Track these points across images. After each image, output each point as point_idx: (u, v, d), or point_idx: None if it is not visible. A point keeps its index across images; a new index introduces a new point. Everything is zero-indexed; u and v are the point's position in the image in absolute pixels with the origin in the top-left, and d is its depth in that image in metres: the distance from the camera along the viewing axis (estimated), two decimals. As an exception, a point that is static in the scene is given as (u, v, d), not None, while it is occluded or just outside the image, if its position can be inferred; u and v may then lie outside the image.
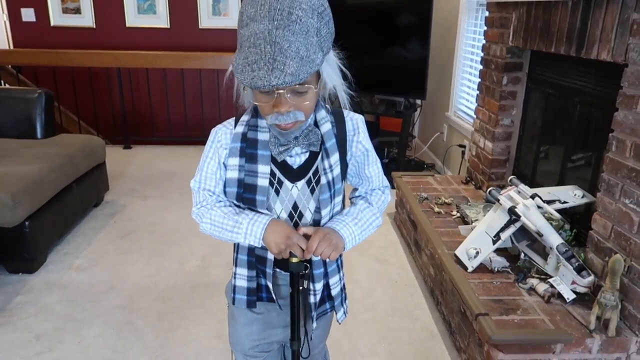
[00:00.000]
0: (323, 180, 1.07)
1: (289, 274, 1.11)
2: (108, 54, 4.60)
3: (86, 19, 5.05)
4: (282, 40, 0.86)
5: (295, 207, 1.10)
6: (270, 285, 1.14)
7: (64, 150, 2.90)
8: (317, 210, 1.09)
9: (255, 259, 1.14)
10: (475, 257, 2.01)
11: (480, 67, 2.96)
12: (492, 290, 1.89)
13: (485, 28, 2.88)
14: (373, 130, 4.60)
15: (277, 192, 1.09)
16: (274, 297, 1.16)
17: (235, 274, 1.17)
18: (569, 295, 1.78)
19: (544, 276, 1.91)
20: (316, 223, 1.11)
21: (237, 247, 1.16)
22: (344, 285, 1.25)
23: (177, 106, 5.02)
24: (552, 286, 1.83)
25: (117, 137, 4.86)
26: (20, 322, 2.14)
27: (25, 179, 2.43)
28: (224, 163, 1.10)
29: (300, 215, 1.11)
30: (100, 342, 2.03)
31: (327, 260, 1.12)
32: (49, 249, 2.70)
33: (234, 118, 1.12)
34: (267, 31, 0.87)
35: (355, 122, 1.14)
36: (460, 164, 3.59)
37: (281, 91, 0.93)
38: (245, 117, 1.10)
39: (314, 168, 1.09)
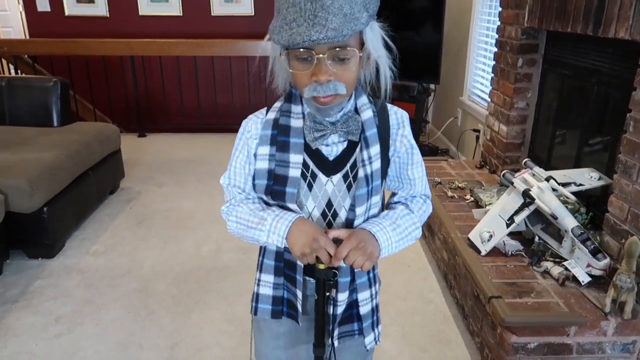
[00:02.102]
0: (360, 173, 0.96)
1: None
2: (122, 43, 4.63)
3: (100, 8, 5.08)
4: None
5: (329, 204, 0.99)
6: (299, 294, 1.01)
7: (80, 137, 2.94)
8: (352, 207, 0.97)
9: (284, 264, 1.03)
10: (488, 240, 2.00)
11: (495, 49, 2.92)
12: (506, 273, 1.88)
13: (500, 9, 2.83)
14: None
15: (310, 186, 0.98)
16: (298, 311, 1.03)
17: (258, 280, 1.06)
18: (584, 278, 1.76)
19: (559, 259, 1.89)
20: (349, 222, 0.99)
21: (263, 250, 1.06)
22: (377, 305, 1.09)
23: (190, 94, 5.04)
24: (566, 269, 1.81)
25: (132, 125, 4.90)
26: (41, 306, 2.19)
27: (43, 166, 2.47)
28: (254, 154, 1.00)
29: (335, 215, 0.99)
30: (117, 325, 2.07)
31: (357, 269, 1.00)
32: (67, 235, 2.75)
33: (266, 108, 1.03)
34: None
35: (401, 117, 1.03)
36: (474, 148, 3.56)
37: (321, 55, 0.85)
38: (277, 104, 1.01)
39: (351, 160, 0.98)
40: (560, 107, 2.49)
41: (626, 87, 1.82)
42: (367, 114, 0.98)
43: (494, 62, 2.94)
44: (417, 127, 3.92)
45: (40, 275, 2.42)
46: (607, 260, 1.74)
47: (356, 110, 0.98)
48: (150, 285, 2.34)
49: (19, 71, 4.78)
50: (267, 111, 1.01)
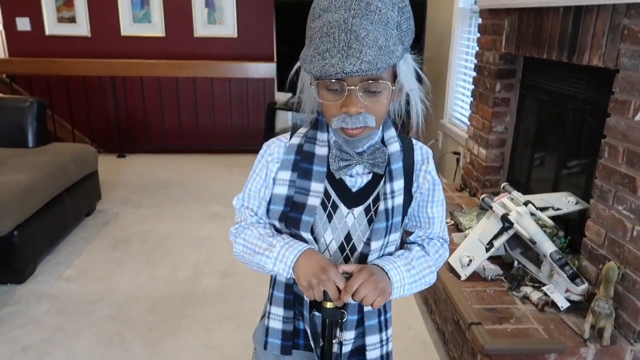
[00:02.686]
0: (381, 206, 0.93)
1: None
2: (102, 63, 4.60)
3: (81, 27, 5.03)
4: (358, 28, 0.78)
5: (348, 237, 0.95)
6: (308, 330, 0.98)
7: (55, 158, 2.88)
8: (367, 241, 0.94)
9: (293, 297, 0.99)
10: (468, 265, 1.98)
11: (474, 74, 2.96)
12: (486, 298, 1.86)
13: (479, 35, 2.88)
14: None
15: (330, 217, 0.94)
16: (313, 345, 0.98)
17: (268, 313, 1.01)
18: (563, 304, 1.76)
19: (538, 284, 1.88)
20: (363, 257, 0.95)
21: (273, 282, 1.02)
22: (388, 353, 1.02)
23: (171, 115, 5.01)
24: (545, 294, 1.81)
25: (112, 145, 4.84)
26: (8, 334, 2.10)
27: (14, 188, 2.40)
28: (273, 178, 0.96)
29: (353, 249, 0.95)
30: (88, 354, 1.99)
31: (366, 309, 0.96)
32: (39, 259, 2.66)
33: (290, 132, 1.00)
34: (343, 19, 0.78)
35: (426, 153, 1.01)
36: (455, 171, 3.58)
37: (352, 87, 0.82)
38: (303, 130, 0.98)
39: (375, 193, 0.95)
40: (538, 131, 2.52)
41: (600, 112, 1.85)
42: (394, 147, 0.95)
43: (473, 87, 2.98)
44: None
45: (9, 301, 2.33)
46: (585, 286, 1.74)
47: (383, 142, 0.96)
48: (123, 312, 2.27)
49: (-4, 90, 4.71)
50: (291, 136, 0.98)
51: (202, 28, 5.11)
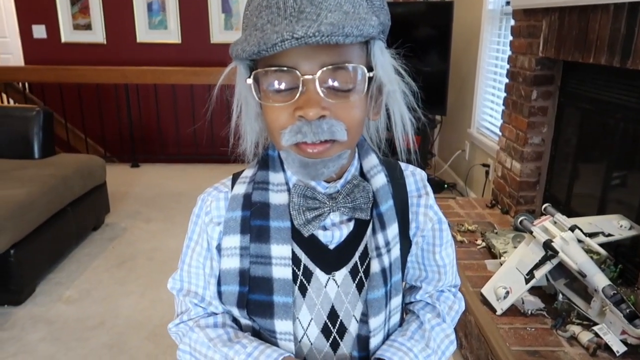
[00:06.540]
0: (375, 266, 0.67)
1: None
2: (116, 70, 4.49)
3: (97, 35, 4.95)
4: None
5: (332, 315, 0.69)
6: None
7: (58, 171, 2.73)
8: (364, 318, 0.68)
9: None
10: (505, 297, 1.74)
11: (506, 80, 2.72)
12: (526, 338, 1.62)
13: (511, 38, 2.64)
14: (390, 148, 4.38)
15: (303, 290, 0.68)
16: None
17: None
18: (619, 348, 1.51)
19: (587, 322, 1.63)
20: (362, 341, 0.69)
21: None
22: None
23: (186, 123, 4.87)
24: (597, 335, 1.56)
25: (125, 155, 4.73)
26: (-1, 363, 1.95)
27: (11, 204, 2.25)
28: (217, 247, 0.70)
29: (342, 330, 0.69)
30: (81, 389, 1.82)
31: None
32: (39, 278, 2.51)
33: (231, 177, 0.75)
34: None
35: (421, 179, 0.77)
36: (484, 184, 3.33)
37: (309, 77, 0.56)
38: (248, 172, 0.72)
39: (361, 247, 0.69)
40: (580, 143, 2.26)
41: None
42: (379, 180, 0.69)
43: (504, 94, 2.74)
44: (423, 160, 3.70)
45: (3, 325, 2.18)
46: (646, 328, 1.49)
47: (363, 176, 0.70)
48: (123, 340, 2.09)
49: (9, 99, 4.64)
50: (233, 183, 0.72)
51: (218, 34, 4.97)
